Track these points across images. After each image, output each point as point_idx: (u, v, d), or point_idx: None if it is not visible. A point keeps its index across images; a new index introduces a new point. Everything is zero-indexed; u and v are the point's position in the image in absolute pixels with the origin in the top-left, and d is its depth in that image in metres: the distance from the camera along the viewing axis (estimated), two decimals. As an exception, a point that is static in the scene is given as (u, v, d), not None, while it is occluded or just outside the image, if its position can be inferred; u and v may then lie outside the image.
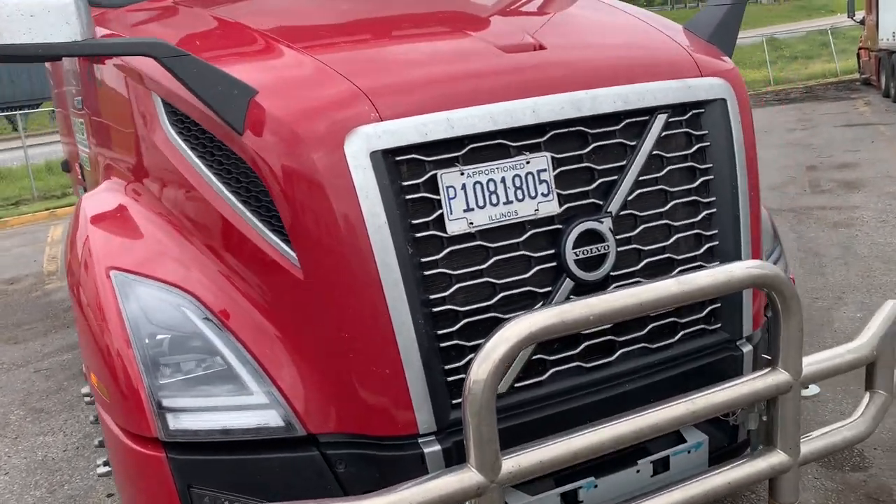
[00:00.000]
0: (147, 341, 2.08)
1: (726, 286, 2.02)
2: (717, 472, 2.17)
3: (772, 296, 2.09)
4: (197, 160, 2.23)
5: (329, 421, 2.05)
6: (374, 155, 1.91)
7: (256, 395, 2.05)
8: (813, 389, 2.37)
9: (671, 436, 2.28)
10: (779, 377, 2.16)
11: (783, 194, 8.57)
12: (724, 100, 2.33)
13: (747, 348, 2.38)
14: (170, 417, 2.02)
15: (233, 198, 2.13)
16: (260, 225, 2.06)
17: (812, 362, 2.24)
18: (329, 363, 2.02)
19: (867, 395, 2.40)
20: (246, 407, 2.05)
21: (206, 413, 2.04)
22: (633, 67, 2.27)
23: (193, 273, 2.20)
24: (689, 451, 2.29)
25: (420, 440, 2.00)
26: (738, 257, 2.34)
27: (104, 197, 2.72)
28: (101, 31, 2.68)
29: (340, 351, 1.99)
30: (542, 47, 2.26)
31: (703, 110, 2.32)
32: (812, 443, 2.29)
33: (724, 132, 2.33)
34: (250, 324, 2.11)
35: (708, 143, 2.32)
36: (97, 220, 2.53)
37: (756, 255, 2.42)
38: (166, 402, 2.03)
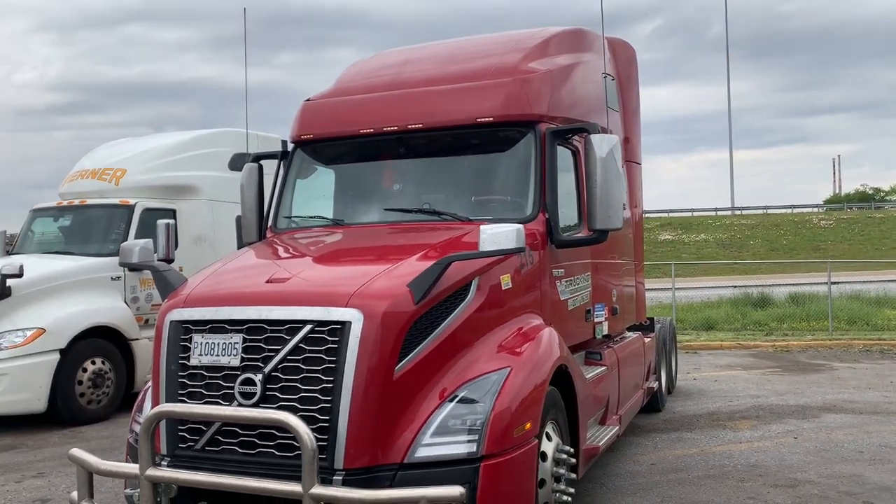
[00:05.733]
0: None
1: (262, 421, 3.78)
2: None
3: (296, 437, 3.71)
4: None
5: None
6: (171, 322, 4.36)
7: None
8: None
9: None
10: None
11: None
12: (350, 322, 3.95)
13: (336, 477, 3.83)
14: None
15: None
16: None
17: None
18: None
19: None
20: None
21: None
22: (309, 295, 4.13)
23: None
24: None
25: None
26: (337, 416, 3.87)
27: None
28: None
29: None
30: (284, 280, 4.30)
31: (339, 326, 3.98)
32: None
33: (345, 342, 3.93)
34: None
35: (336, 346, 3.96)
36: None
37: (354, 420, 3.86)
38: None
